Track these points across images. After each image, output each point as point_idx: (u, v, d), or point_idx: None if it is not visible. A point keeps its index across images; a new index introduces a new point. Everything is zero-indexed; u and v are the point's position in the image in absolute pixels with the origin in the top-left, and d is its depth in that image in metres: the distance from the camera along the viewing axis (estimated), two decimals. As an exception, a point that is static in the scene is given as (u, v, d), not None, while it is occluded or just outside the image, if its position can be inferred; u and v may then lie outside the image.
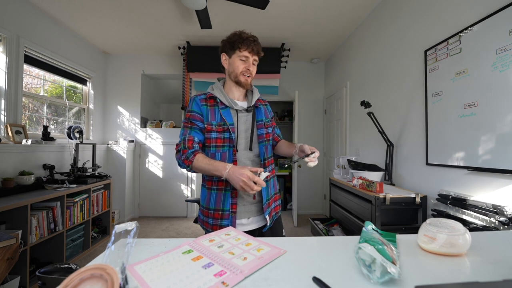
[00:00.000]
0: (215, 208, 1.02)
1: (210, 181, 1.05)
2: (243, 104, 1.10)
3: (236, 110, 1.06)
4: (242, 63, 1.05)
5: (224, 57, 1.09)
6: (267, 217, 1.04)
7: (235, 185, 0.87)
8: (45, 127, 2.63)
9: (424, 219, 1.59)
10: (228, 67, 1.09)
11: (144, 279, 0.48)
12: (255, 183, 0.84)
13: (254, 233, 1.04)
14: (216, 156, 1.03)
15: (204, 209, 1.06)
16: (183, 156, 0.99)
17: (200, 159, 0.96)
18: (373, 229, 0.68)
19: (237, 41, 1.03)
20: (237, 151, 1.03)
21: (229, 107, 1.05)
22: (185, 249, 0.61)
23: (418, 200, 1.61)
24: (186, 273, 0.49)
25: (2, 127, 2.28)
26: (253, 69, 1.08)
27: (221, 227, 0.99)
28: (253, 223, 1.05)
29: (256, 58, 1.07)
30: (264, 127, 1.11)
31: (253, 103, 1.10)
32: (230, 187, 1.00)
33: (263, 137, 1.09)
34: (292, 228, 3.42)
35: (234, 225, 0.99)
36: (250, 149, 1.05)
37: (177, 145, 1.03)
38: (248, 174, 0.84)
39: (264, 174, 0.89)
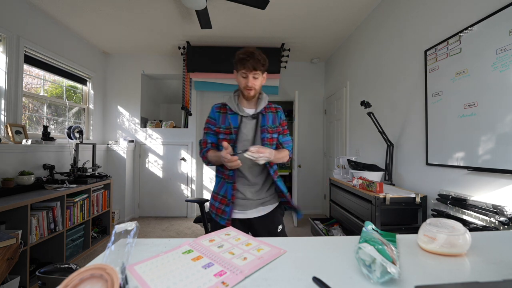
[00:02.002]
0: (223, 195, 1.23)
1: (222, 172, 1.25)
2: (251, 111, 1.26)
3: (242, 116, 1.23)
4: (243, 79, 1.20)
5: (235, 73, 1.26)
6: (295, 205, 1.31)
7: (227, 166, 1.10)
8: (45, 127, 2.63)
9: (424, 219, 1.59)
10: (237, 82, 1.25)
11: (144, 279, 0.48)
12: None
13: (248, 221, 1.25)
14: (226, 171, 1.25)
15: (214, 194, 1.27)
16: (201, 154, 1.27)
17: (210, 154, 1.22)
18: (373, 229, 0.68)
19: (235, 61, 1.20)
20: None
21: (236, 113, 1.23)
22: (185, 249, 0.61)
23: (418, 200, 1.61)
24: (186, 273, 0.49)
25: (2, 127, 2.28)
26: (255, 83, 1.20)
27: (223, 212, 1.20)
28: (245, 216, 1.24)
29: (255, 72, 1.18)
30: (267, 132, 1.23)
31: (258, 110, 1.24)
32: (232, 180, 1.20)
33: (265, 141, 1.22)
34: (292, 228, 3.42)
35: (231, 214, 1.19)
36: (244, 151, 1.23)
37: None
38: (222, 154, 1.07)
39: (246, 154, 1.06)
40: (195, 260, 0.55)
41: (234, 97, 1.26)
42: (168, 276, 0.49)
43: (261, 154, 1.05)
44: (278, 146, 1.31)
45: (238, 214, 1.22)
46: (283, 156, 1.25)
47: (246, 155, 1.04)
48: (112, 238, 0.50)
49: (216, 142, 1.26)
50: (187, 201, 2.16)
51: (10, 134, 2.27)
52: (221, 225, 1.19)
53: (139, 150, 3.89)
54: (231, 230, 0.74)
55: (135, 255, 0.58)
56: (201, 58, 3.52)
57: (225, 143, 1.06)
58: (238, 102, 1.26)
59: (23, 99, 2.54)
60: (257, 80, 1.21)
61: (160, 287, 0.45)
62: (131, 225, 0.53)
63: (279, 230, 1.27)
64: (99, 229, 3.00)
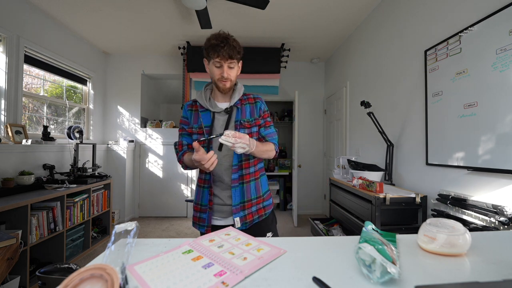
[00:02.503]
0: (197, 202, 1.15)
1: (199, 179, 1.15)
2: (225, 105, 1.11)
3: (214, 112, 1.09)
4: (217, 69, 1.04)
5: (205, 63, 1.10)
6: (236, 219, 1.06)
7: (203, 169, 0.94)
8: (45, 127, 2.63)
9: (424, 219, 1.59)
10: (209, 73, 1.09)
11: (144, 279, 0.48)
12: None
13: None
14: (203, 175, 1.12)
15: (194, 204, 1.18)
16: (177, 158, 1.14)
17: (185, 157, 1.09)
18: (373, 229, 0.68)
19: (207, 48, 1.02)
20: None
21: (207, 109, 1.09)
22: (185, 249, 0.61)
23: (418, 200, 1.61)
24: (186, 273, 0.49)
25: (2, 127, 2.28)
26: (231, 73, 1.05)
27: (199, 219, 1.12)
28: (226, 222, 1.11)
29: (231, 61, 1.02)
30: (243, 127, 1.08)
31: (232, 104, 1.09)
32: (208, 185, 1.09)
33: None
34: (292, 228, 3.42)
35: (210, 221, 1.09)
36: (219, 149, 1.06)
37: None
38: (194, 157, 0.91)
39: (221, 139, 0.89)
40: (195, 260, 0.55)
41: (205, 92, 1.12)
42: (168, 276, 0.49)
43: (238, 139, 0.90)
44: (261, 141, 1.14)
45: (218, 221, 1.10)
46: (267, 149, 1.08)
47: (220, 140, 0.89)
48: (112, 238, 0.50)
49: (192, 143, 1.09)
50: (187, 201, 2.17)
51: (10, 134, 2.27)
52: (202, 232, 1.11)
53: (139, 150, 3.89)
54: (231, 230, 0.74)
55: (135, 255, 0.58)
56: (201, 58, 3.51)
57: (195, 144, 0.89)
58: (212, 97, 1.13)
59: (23, 99, 2.54)
60: (233, 70, 1.05)
61: (160, 287, 0.45)
62: (131, 225, 0.53)
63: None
64: (99, 229, 3.00)
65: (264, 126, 1.15)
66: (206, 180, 1.10)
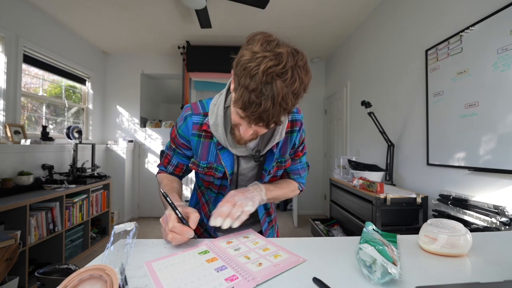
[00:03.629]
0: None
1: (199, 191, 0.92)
2: (251, 144, 0.72)
3: (237, 156, 0.72)
4: (236, 118, 0.59)
5: (233, 79, 0.57)
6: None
7: None
8: (44, 127, 2.63)
9: (425, 220, 1.59)
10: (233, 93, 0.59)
11: (159, 277, 0.48)
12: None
13: None
14: (206, 195, 0.84)
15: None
16: (158, 169, 0.86)
17: (164, 181, 0.78)
18: (373, 229, 0.68)
19: (238, 80, 0.52)
20: None
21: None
22: (202, 249, 0.60)
23: (419, 200, 1.61)
24: (198, 275, 0.49)
25: (1, 127, 2.27)
26: (258, 132, 0.61)
27: None
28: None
29: (262, 128, 0.58)
30: (269, 173, 0.76)
31: (264, 151, 0.71)
32: (201, 204, 0.86)
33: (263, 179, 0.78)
34: (292, 229, 3.42)
35: None
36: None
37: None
38: (165, 219, 0.59)
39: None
40: (210, 261, 0.54)
41: (224, 122, 0.68)
42: (181, 276, 0.49)
43: (232, 214, 0.63)
44: (283, 176, 0.87)
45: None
46: (285, 192, 0.80)
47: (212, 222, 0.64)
48: (111, 238, 0.49)
49: (186, 164, 0.80)
50: (186, 201, 2.16)
51: (9, 134, 2.27)
52: None
53: (139, 150, 3.88)
54: (251, 233, 0.72)
55: (134, 255, 0.58)
56: (201, 57, 3.52)
57: (194, 216, 0.61)
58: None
59: (22, 99, 2.53)
60: (264, 131, 0.61)
61: (171, 286, 0.45)
62: (131, 226, 0.52)
63: None
64: (98, 230, 2.99)
65: (292, 159, 0.81)
66: (206, 201, 0.82)
